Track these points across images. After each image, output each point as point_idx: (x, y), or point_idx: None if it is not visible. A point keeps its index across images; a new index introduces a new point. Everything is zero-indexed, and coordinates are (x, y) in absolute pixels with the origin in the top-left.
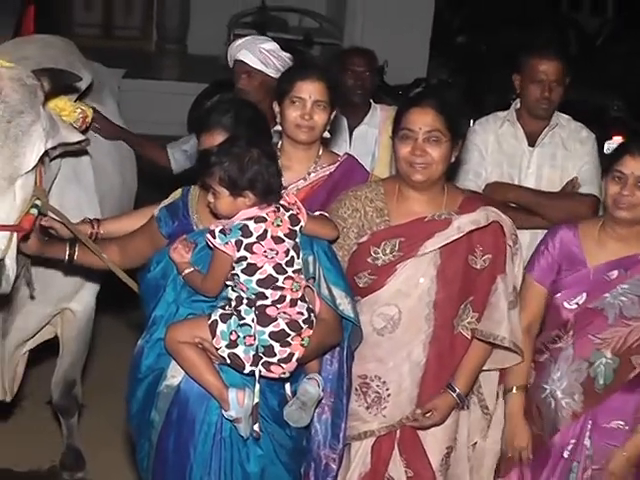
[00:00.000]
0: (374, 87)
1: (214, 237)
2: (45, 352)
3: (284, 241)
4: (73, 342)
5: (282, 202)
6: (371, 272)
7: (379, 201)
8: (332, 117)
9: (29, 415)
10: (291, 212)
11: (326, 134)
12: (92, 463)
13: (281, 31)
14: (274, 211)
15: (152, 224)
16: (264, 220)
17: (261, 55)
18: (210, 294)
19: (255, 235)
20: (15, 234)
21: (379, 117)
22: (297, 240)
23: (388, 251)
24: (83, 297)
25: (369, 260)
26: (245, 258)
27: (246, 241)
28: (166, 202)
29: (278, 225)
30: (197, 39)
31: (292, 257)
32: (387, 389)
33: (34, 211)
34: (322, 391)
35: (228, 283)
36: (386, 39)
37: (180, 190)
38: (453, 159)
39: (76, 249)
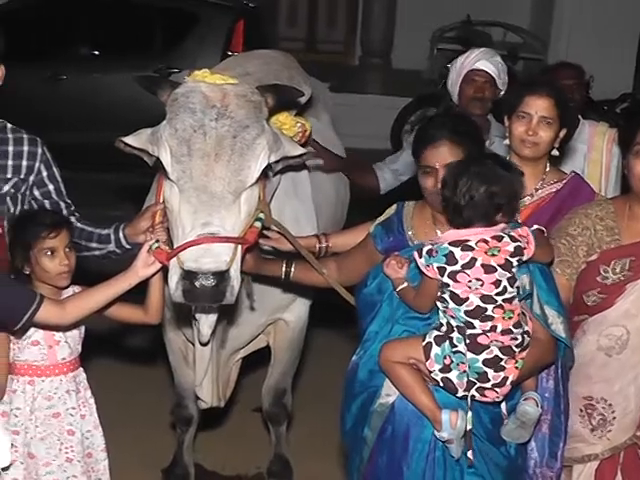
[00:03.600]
0: (583, 103)
1: (420, 257)
2: (249, 360)
3: (496, 271)
4: (285, 352)
5: (512, 233)
6: (600, 291)
7: (609, 220)
8: (561, 135)
9: (237, 421)
10: (518, 244)
11: (555, 152)
12: (298, 472)
13: (485, 46)
14: (485, 240)
15: (368, 241)
16: (471, 249)
17: (498, 67)
18: (421, 311)
19: (460, 263)
20: (239, 246)
21: (587, 133)
22: (514, 270)
23: (618, 270)
24: (296, 308)
25: (598, 279)
26: (448, 285)
27: (450, 269)
28: (381, 218)
29: (493, 254)
30: (400, 53)
31: (504, 287)
32: (613, 412)
33: (258, 224)
34: (541, 409)
35: (439, 305)
36: (592, 54)
37: (394, 206)
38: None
39: (292, 267)
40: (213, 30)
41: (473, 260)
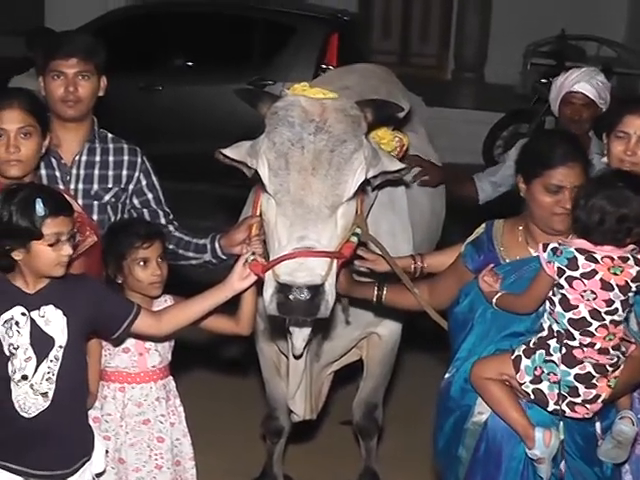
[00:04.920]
0: None
1: (544, 251)
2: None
3: (612, 290)
4: (377, 366)
5: (639, 256)
6: None
7: None
8: None
9: (326, 434)
10: None
11: None
12: None
13: (579, 60)
14: (611, 258)
15: (459, 261)
16: (595, 261)
17: (597, 87)
18: (526, 310)
19: (580, 271)
20: (335, 261)
21: None
22: (630, 295)
23: None
24: (390, 322)
25: None
26: (562, 287)
27: (569, 273)
28: (471, 238)
29: (615, 273)
30: (493, 67)
31: (615, 308)
32: None
33: (354, 239)
34: (637, 428)
35: (546, 306)
36: None
37: (484, 225)
38: None
39: (384, 291)
40: (308, 43)
41: (594, 272)
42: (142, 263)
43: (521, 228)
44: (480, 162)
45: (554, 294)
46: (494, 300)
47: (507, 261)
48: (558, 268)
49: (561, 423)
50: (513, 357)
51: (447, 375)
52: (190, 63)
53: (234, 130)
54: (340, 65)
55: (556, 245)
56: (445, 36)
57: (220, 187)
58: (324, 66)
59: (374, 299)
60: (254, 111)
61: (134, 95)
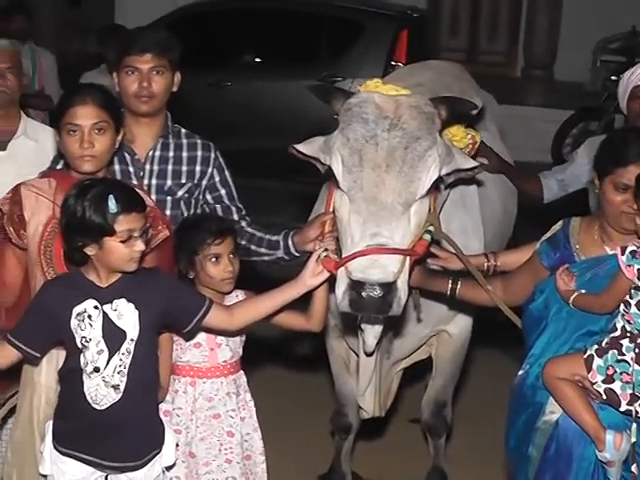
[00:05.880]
0: None
1: (622, 254)
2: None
3: None
4: (447, 364)
5: None
6: None
7: None
8: None
9: (394, 432)
10: None
11: None
12: None
13: None
14: None
15: (534, 258)
16: None
17: None
18: (604, 310)
19: None
20: (408, 258)
21: None
22: None
23: None
24: (460, 320)
25: None
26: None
27: None
28: (547, 235)
29: None
30: (563, 65)
31: None
32: None
33: (427, 237)
34: None
35: (620, 307)
36: None
37: (560, 222)
38: None
39: (458, 285)
40: (378, 39)
41: None
42: (214, 259)
43: (597, 226)
44: (549, 160)
45: (630, 296)
46: (571, 299)
47: (582, 259)
48: (638, 270)
49: (634, 425)
50: (585, 356)
51: (520, 372)
52: (259, 59)
53: (301, 126)
54: (409, 62)
55: (634, 248)
56: (514, 33)
57: (287, 183)
58: (393, 63)
59: (448, 292)
60: (321, 107)
61: (203, 91)
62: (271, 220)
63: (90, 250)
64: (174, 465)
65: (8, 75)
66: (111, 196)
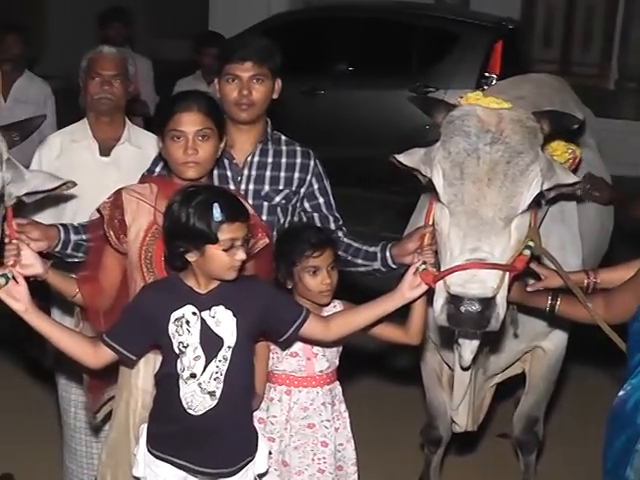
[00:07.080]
0: None
1: None
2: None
3: None
4: (540, 380)
5: None
6: None
7: None
8: None
9: (482, 446)
10: None
11: None
12: None
13: None
14: None
15: (638, 276)
16: None
17: None
18: None
19: None
20: (507, 274)
21: None
22: None
23: None
24: (556, 337)
25: None
26: None
27: None
28: None
29: None
30: None
31: None
32: None
33: (527, 252)
34: None
35: None
36: None
37: None
38: None
39: (558, 301)
40: (472, 50)
41: None
42: (312, 272)
43: None
44: None
45: None
46: None
47: None
48: None
49: None
50: None
51: (621, 393)
52: (352, 68)
53: (391, 136)
54: (502, 74)
55: None
56: (608, 45)
57: (376, 192)
58: (486, 74)
59: (547, 308)
60: (412, 117)
61: (296, 99)
62: (356, 229)
63: (191, 256)
64: (267, 473)
65: (114, 82)
66: (216, 204)
